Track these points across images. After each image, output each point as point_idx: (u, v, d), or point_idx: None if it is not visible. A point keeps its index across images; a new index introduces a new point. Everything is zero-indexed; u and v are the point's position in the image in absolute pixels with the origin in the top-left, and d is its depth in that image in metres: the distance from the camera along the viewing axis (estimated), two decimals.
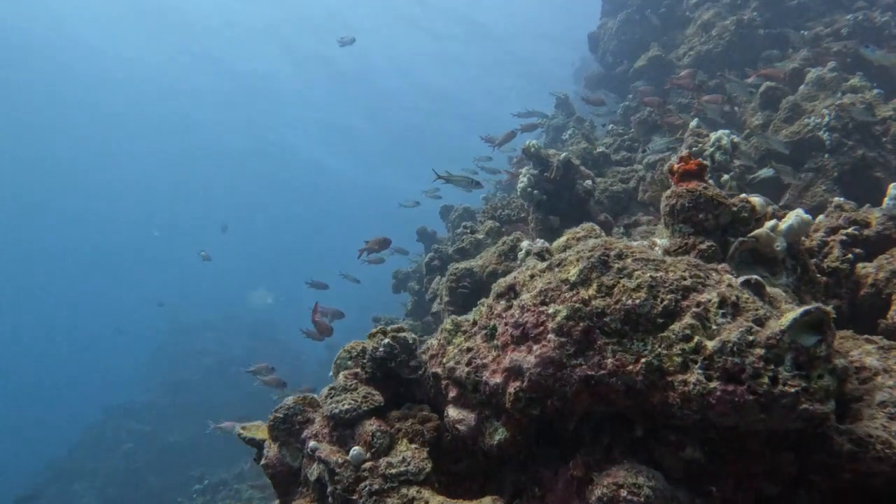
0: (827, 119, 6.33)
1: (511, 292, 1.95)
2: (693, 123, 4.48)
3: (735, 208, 2.32)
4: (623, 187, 6.45)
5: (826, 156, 6.24)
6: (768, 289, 1.80)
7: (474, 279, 3.78)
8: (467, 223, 4.93)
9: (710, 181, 2.43)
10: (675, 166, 2.49)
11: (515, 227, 5.34)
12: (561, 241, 2.49)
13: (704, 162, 2.36)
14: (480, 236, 4.72)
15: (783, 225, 2.31)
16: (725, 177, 3.98)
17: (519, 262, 3.53)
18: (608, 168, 6.82)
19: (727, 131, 4.12)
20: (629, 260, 1.81)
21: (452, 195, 10.88)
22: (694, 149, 4.13)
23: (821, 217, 3.19)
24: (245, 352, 27.15)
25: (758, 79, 7.86)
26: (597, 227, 2.39)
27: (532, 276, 1.92)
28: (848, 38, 8.35)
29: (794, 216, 2.35)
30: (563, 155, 4.36)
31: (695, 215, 2.30)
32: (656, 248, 2.20)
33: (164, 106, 35.65)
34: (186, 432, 22.14)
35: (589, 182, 4.51)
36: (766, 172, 5.95)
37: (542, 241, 3.61)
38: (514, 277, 1.98)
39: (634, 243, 1.99)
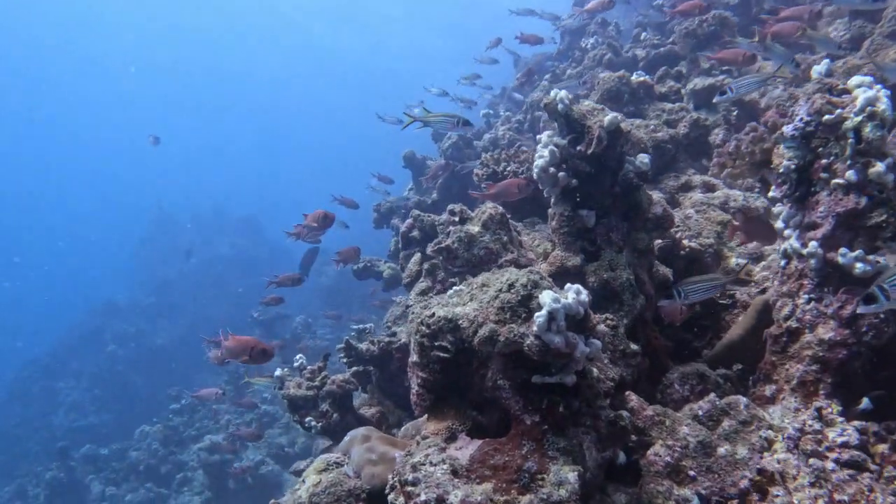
0: None
1: None
2: (821, 68, 2.80)
3: None
4: (670, 133, 4.80)
5: None
6: None
7: (459, 338, 2.31)
8: (455, 207, 3.36)
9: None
10: None
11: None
12: None
13: None
14: (475, 229, 3.16)
15: None
16: (879, 167, 2.40)
17: (537, 330, 2.06)
18: (649, 104, 5.12)
19: (879, 85, 2.49)
20: None
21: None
22: (827, 116, 2.51)
23: None
24: (233, 251, 26.12)
25: None
26: None
27: None
28: None
29: None
30: (609, 117, 2.73)
31: None
32: None
33: None
34: (171, 334, 21.59)
35: (644, 158, 2.91)
36: None
37: (575, 294, 2.11)
38: None
39: None
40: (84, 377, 19.35)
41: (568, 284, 2.19)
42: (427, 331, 2.37)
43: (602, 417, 2.27)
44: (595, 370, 2.43)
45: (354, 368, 4.46)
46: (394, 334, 4.32)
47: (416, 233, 4.34)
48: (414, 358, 2.48)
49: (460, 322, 2.30)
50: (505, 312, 2.18)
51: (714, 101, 4.97)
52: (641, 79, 5.16)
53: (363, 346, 4.32)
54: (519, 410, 2.21)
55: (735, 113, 5.47)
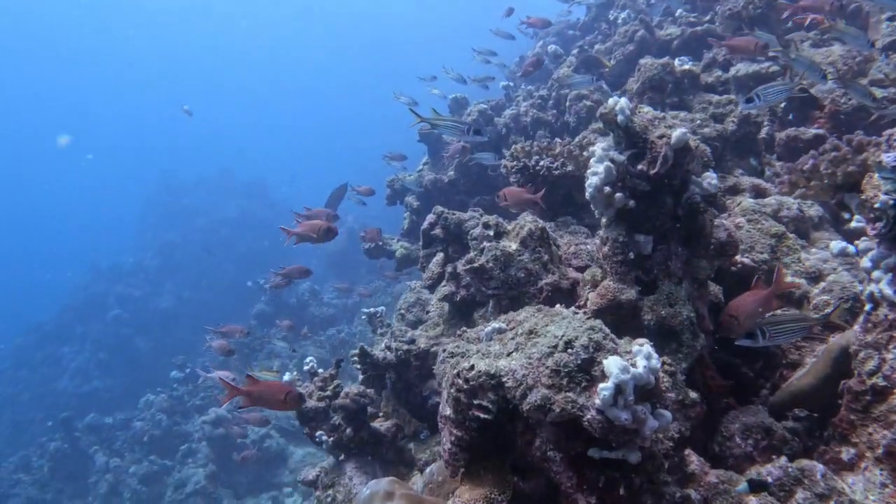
0: None
1: None
2: None
3: None
4: (717, 130, 4.39)
5: None
6: None
7: (503, 396, 1.99)
8: (489, 219, 3.00)
9: None
10: None
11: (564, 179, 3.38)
12: None
13: None
14: (512, 246, 2.81)
15: None
16: None
17: (600, 404, 1.73)
18: (694, 95, 4.70)
19: None
20: None
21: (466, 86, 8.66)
22: None
23: None
24: (239, 213, 25.76)
25: None
26: None
27: None
28: None
29: None
30: (677, 134, 2.35)
31: None
32: None
33: None
34: (177, 297, 21.40)
35: (711, 179, 2.54)
36: None
37: (645, 360, 1.78)
38: None
39: None
40: (88, 341, 19.23)
41: (636, 347, 1.85)
42: (465, 386, 2.05)
43: (666, 496, 1.96)
44: None
45: (369, 373, 4.18)
46: (412, 341, 3.99)
47: (438, 230, 3.97)
48: (447, 412, 2.17)
49: (504, 380, 1.97)
50: (561, 377, 1.85)
51: (740, 109, 4.56)
52: (686, 67, 4.72)
53: (379, 353, 4.02)
54: (572, 488, 1.90)
55: (783, 105, 5.05)
